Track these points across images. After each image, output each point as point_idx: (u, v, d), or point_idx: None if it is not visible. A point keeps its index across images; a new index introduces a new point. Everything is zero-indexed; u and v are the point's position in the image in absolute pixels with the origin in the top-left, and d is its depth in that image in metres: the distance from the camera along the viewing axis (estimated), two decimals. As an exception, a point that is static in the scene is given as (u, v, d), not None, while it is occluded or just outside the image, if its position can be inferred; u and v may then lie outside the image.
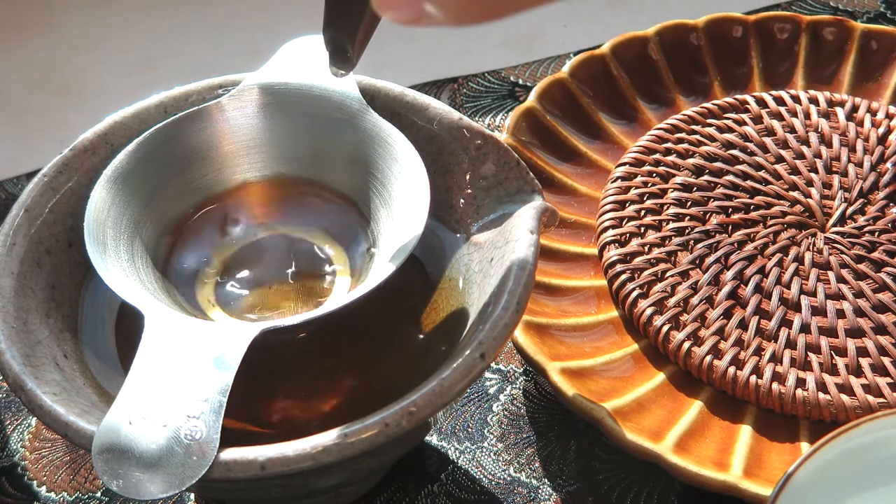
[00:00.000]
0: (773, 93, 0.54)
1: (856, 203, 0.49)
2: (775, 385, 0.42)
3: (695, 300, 0.45)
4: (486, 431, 0.45)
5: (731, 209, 0.48)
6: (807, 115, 0.53)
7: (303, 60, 0.42)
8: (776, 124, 0.52)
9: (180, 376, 0.33)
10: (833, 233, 0.47)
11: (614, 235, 0.48)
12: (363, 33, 0.33)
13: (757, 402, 0.43)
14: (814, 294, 0.45)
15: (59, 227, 0.39)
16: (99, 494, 0.43)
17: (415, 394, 0.33)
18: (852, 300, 0.45)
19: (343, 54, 0.34)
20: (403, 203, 0.38)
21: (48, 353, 0.36)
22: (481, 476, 0.43)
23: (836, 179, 0.50)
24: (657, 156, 0.51)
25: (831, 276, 0.46)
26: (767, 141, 0.51)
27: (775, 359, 0.43)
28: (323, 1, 0.34)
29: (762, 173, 0.50)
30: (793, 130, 0.52)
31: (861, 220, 0.48)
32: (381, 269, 0.37)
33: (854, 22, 0.56)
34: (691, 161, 0.50)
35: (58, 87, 0.65)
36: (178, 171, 0.40)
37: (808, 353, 0.43)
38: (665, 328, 0.44)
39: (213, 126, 0.41)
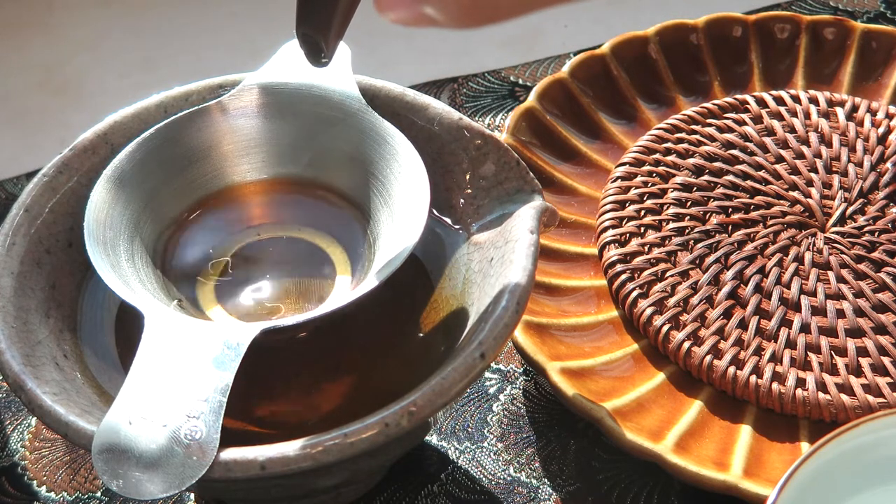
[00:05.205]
0: (773, 93, 0.54)
1: (856, 203, 0.49)
2: (775, 385, 0.42)
3: (695, 300, 0.45)
4: (486, 431, 0.45)
5: (731, 209, 0.48)
6: (807, 115, 0.53)
7: (303, 60, 0.42)
8: (776, 124, 0.52)
9: (180, 376, 0.33)
10: (833, 233, 0.47)
11: (614, 235, 0.48)
12: (336, 29, 0.33)
13: (757, 402, 0.43)
14: (814, 294, 0.45)
15: (59, 227, 0.39)
16: (99, 494, 0.43)
17: (415, 394, 0.33)
18: (852, 300, 0.45)
19: (317, 51, 0.34)
20: (403, 203, 0.38)
21: (48, 352, 0.36)
22: (481, 476, 0.43)
23: (836, 179, 0.50)
24: (657, 156, 0.51)
25: (831, 276, 0.46)
26: (767, 141, 0.51)
27: (775, 359, 0.43)
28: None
29: (762, 173, 0.50)
30: (793, 130, 0.52)
31: (861, 220, 0.48)
32: (381, 269, 0.37)
33: (854, 22, 0.56)
34: (691, 161, 0.50)
35: (58, 87, 0.65)
36: (178, 171, 0.40)
37: (808, 353, 0.43)
38: (665, 328, 0.44)
39: (213, 126, 0.41)
